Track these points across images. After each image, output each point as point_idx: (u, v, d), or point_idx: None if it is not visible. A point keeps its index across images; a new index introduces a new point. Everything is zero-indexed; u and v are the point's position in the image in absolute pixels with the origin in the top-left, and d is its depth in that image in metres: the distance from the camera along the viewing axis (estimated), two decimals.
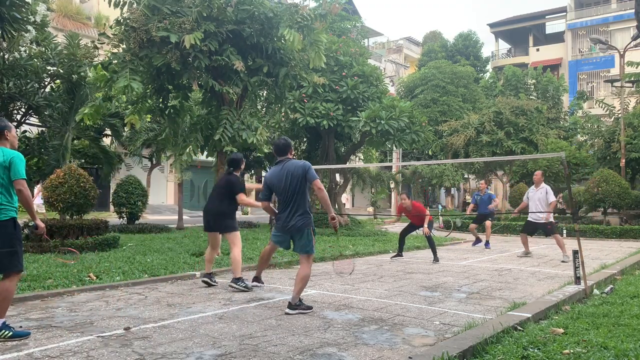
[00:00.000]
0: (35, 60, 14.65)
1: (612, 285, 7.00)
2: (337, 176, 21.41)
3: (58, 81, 15.54)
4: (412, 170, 34.58)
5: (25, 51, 14.53)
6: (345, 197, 40.65)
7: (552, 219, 10.84)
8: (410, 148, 18.55)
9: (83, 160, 20.07)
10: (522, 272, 8.90)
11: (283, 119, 17.40)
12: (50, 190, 10.65)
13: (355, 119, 15.65)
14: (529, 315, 5.09)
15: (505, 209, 24.60)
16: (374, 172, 30.79)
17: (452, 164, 31.49)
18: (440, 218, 21.04)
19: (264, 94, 14.04)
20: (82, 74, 14.81)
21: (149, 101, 11.93)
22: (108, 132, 18.08)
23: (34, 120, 16.37)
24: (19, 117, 15.53)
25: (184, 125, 12.64)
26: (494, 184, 35.44)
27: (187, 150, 12.67)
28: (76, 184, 10.70)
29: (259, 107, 14.91)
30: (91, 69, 13.65)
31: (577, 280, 6.86)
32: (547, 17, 47.07)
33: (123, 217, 15.61)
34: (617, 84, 21.24)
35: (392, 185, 35.46)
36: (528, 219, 11.16)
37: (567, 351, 4.00)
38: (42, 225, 4.76)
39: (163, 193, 32.67)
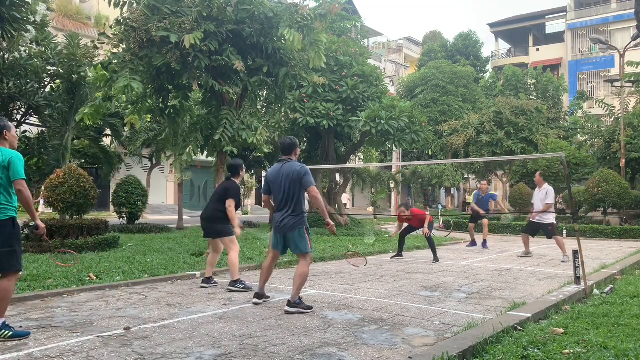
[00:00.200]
0: (35, 60, 14.65)
1: (612, 285, 7.00)
2: (337, 176, 21.41)
3: (58, 81, 15.54)
4: (412, 170, 34.59)
5: (25, 51, 14.54)
6: (346, 197, 40.71)
7: (553, 221, 10.82)
8: (410, 148, 18.54)
9: (83, 160, 20.08)
10: (522, 272, 8.90)
11: (283, 119, 17.40)
12: (50, 190, 10.65)
13: (355, 119, 15.65)
14: (529, 315, 5.09)
15: (505, 209, 24.59)
16: (374, 172, 30.79)
17: (452, 164, 31.49)
18: (441, 218, 21.04)
19: (264, 94, 14.03)
20: (82, 74, 14.81)
21: (149, 101, 11.93)
22: (108, 132, 18.08)
23: (34, 120, 16.37)
24: (19, 117, 15.53)
25: (184, 125, 12.63)
26: (494, 184, 35.44)
27: (187, 150, 12.66)
28: (76, 184, 10.71)
29: (259, 107, 14.90)
30: (91, 69, 13.64)
31: (577, 280, 6.86)
32: (547, 17, 47.08)
33: (123, 217, 15.61)
34: (617, 84, 21.24)
35: (392, 185, 35.45)
36: (530, 219, 11.17)
37: (567, 351, 4.00)
38: (42, 225, 4.75)
39: (163, 193, 32.69)
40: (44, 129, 16.62)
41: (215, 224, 6.90)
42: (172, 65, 10.16)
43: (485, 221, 13.52)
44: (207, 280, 7.11)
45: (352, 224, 17.42)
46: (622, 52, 20.15)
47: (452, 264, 10.09)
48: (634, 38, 16.95)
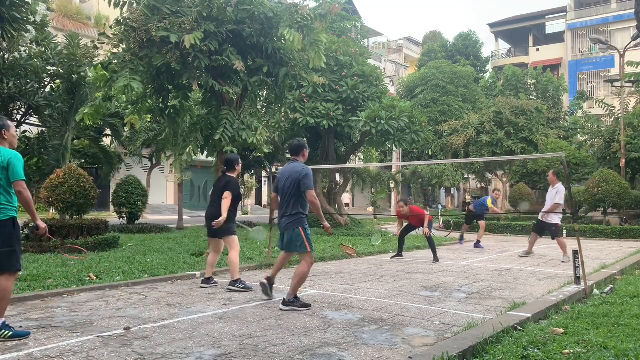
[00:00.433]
0: (35, 60, 14.66)
1: (612, 285, 7.00)
2: (337, 176, 21.42)
3: (58, 81, 15.55)
4: (412, 170, 34.58)
5: (25, 51, 14.55)
6: (348, 197, 40.73)
7: (558, 222, 10.78)
8: (410, 148, 18.54)
9: (83, 160, 20.11)
10: (522, 272, 8.89)
11: (283, 119, 17.40)
12: (50, 190, 10.65)
13: (355, 119, 15.65)
14: (529, 315, 5.09)
15: (505, 209, 24.60)
16: (374, 172, 30.79)
17: (452, 164, 31.49)
18: (441, 218, 21.04)
19: (264, 94, 14.04)
20: (82, 74, 14.82)
21: (149, 101, 11.93)
22: (108, 132, 18.09)
23: (34, 120, 16.38)
24: (19, 117, 15.54)
25: (184, 125, 12.63)
26: (494, 183, 35.44)
27: (187, 150, 12.66)
28: (76, 184, 10.71)
29: (259, 107, 14.90)
30: (91, 69, 13.65)
31: (577, 280, 6.86)
32: (547, 17, 47.09)
33: (123, 217, 15.61)
34: (617, 84, 21.24)
35: (392, 185, 35.45)
36: (538, 218, 11.17)
37: (567, 351, 3.99)
38: (43, 225, 4.74)
39: (163, 193, 32.69)
40: (44, 129, 16.64)
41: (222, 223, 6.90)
42: (172, 65, 10.16)
43: (482, 223, 13.55)
44: (207, 281, 7.10)
45: (352, 224, 17.42)
46: (622, 52, 20.15)
47: (452, 264, 10.09)
48: (634, 38, 16.95)
